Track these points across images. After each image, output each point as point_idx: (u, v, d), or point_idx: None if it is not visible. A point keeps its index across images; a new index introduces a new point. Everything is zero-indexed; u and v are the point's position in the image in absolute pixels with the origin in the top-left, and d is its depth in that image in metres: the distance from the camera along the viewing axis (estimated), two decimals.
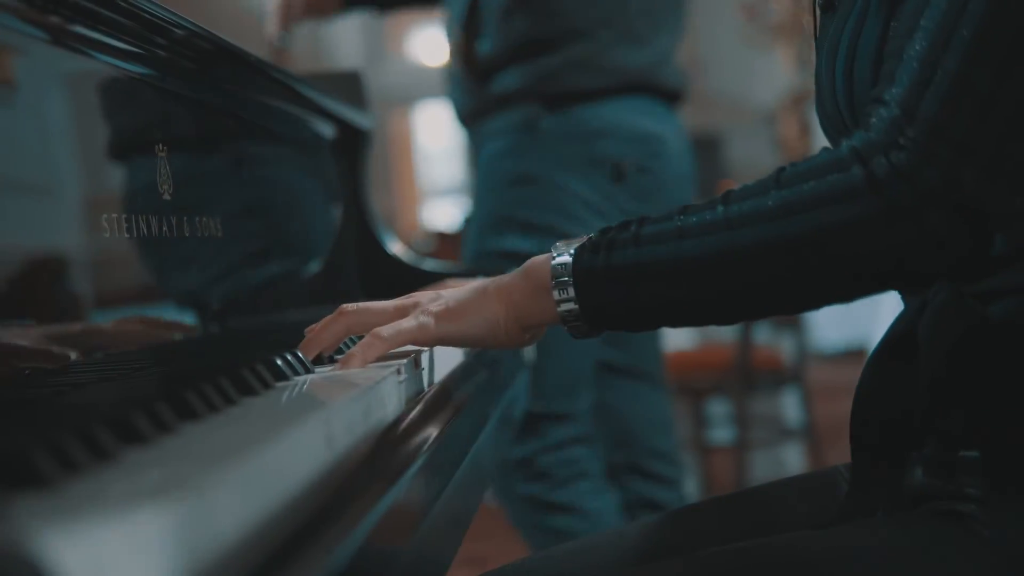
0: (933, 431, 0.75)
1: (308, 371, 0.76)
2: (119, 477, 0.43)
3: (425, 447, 0.67)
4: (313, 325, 0.84)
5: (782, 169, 0.71)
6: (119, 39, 0.82)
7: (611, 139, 1.72)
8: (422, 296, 0.82)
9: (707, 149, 6.03)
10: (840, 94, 0.77)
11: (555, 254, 0.76)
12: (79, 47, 0.78)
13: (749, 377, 2.88)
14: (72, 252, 0.75)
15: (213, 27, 0.94)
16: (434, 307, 0.80)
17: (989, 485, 0.71)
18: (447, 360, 0.95)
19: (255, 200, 1.10)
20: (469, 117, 1.84)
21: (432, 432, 0.71)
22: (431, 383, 0.87)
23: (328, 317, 0.82)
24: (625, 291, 0.73)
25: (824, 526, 0.78)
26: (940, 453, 0.74)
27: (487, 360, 1.01)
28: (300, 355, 0.76)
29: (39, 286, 0.71)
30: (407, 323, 0.79)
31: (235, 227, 1.01)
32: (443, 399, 0.82)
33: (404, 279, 1.40)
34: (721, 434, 3.17)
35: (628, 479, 1.88)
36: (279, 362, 0.71)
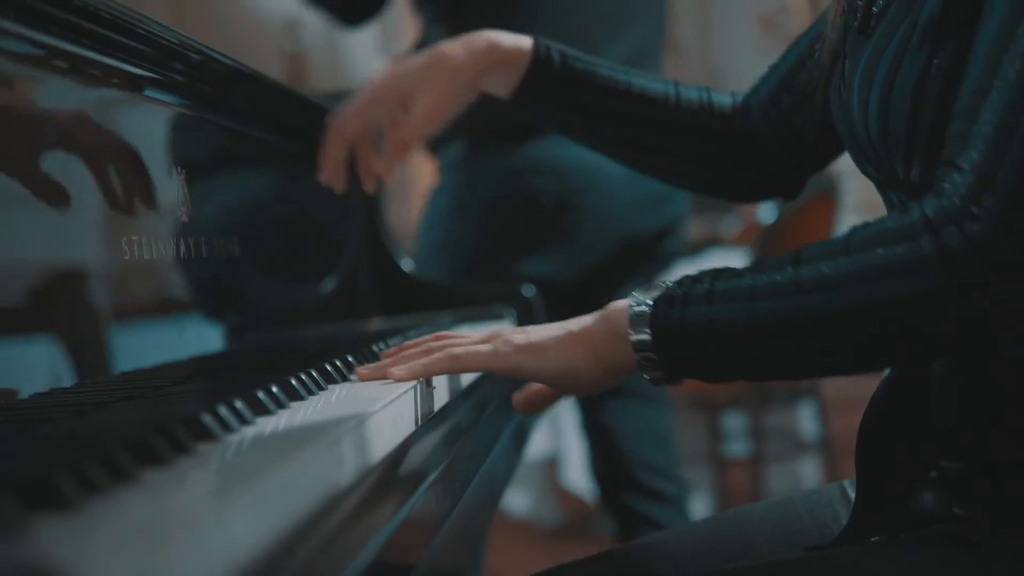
0: (941, 465, 0.75)
1: (322, 390, 0.77)
2: (139, 498, 0.44)
3: (437, 463, 0.68)
4: (391, 350, 0.84)
5: (854, 230, 0.70)
6: (137, 65, 0.84)
7: (530, 175, 1.68)
8: (506, 329, 0.82)
9: None
10: (873, 123, 0.76)
11: (634, 304, 0.75)
12: (98, 73, 0.80)
13: (765, 390, 2.87)
14: (93, 273, 0.76)
15: (228, 36, 0.95)
16: (516, 338, 0.79)
17: (995, 509, 0.72)
18: (460, 378, 0.95)
19: (271, 219, 1.12)
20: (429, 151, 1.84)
21: (444, 448, 0.73)
22: (444, 400, 0.88)
23: (414, 353, 0.81)
24: (700, 347, 0.73)
25: (828, 545, 0.79)
26: (948, 478, 0.75)
27: (499, 376, 1.02)
28: (314, 374, 0.77)
29: (61, 306, 0.73)
30: (483, 347, 0.79)
31: (252, 246, 1.02)
32: (456, 415, 0.83)
33: (418, 295, 1.41)
34: (737, 447, 3.15)
35: (624, 496, 1.85)
36: (294, 382, 0.72)
